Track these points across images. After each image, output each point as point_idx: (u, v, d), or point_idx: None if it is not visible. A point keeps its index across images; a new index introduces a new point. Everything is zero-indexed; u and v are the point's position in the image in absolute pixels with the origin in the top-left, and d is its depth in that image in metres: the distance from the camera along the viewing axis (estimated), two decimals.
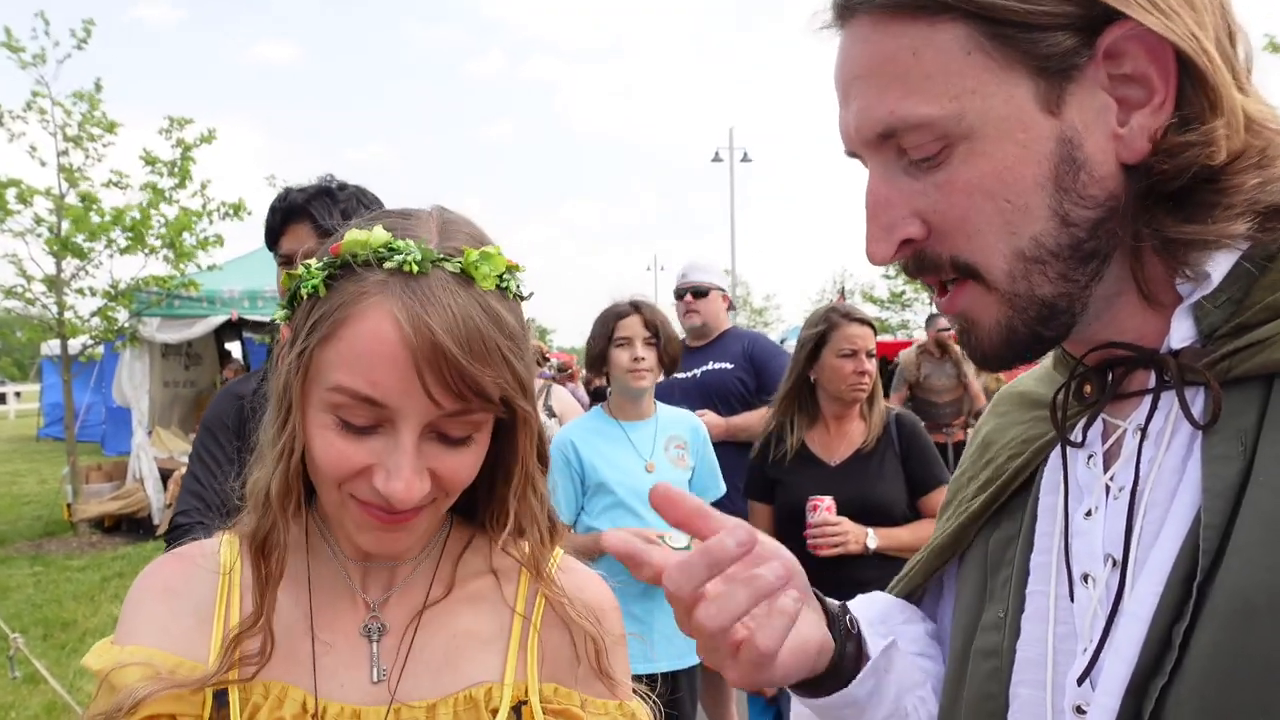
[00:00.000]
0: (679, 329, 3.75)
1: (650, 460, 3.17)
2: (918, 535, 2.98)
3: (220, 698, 0.95)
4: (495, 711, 1.00)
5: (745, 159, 32.27)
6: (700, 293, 4.25)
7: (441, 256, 0.92)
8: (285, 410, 0.95)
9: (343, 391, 0.89)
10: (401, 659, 1.02)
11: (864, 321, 3.15)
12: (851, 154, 0.83)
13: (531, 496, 1.06)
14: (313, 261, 0.95)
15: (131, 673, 0.94)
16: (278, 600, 0.99)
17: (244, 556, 1.04)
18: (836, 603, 0.94)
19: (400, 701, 0.99)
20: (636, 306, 3.21)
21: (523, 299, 1.00)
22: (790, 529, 3.05)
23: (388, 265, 0.90)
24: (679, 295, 4.34)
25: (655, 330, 3.16)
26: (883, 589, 3.31)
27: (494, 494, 1.09)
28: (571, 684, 1.07)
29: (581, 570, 1.15)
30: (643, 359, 3.12)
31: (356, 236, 0.92)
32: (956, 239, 0.76)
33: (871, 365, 3.10)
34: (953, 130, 0.73)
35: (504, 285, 0.96)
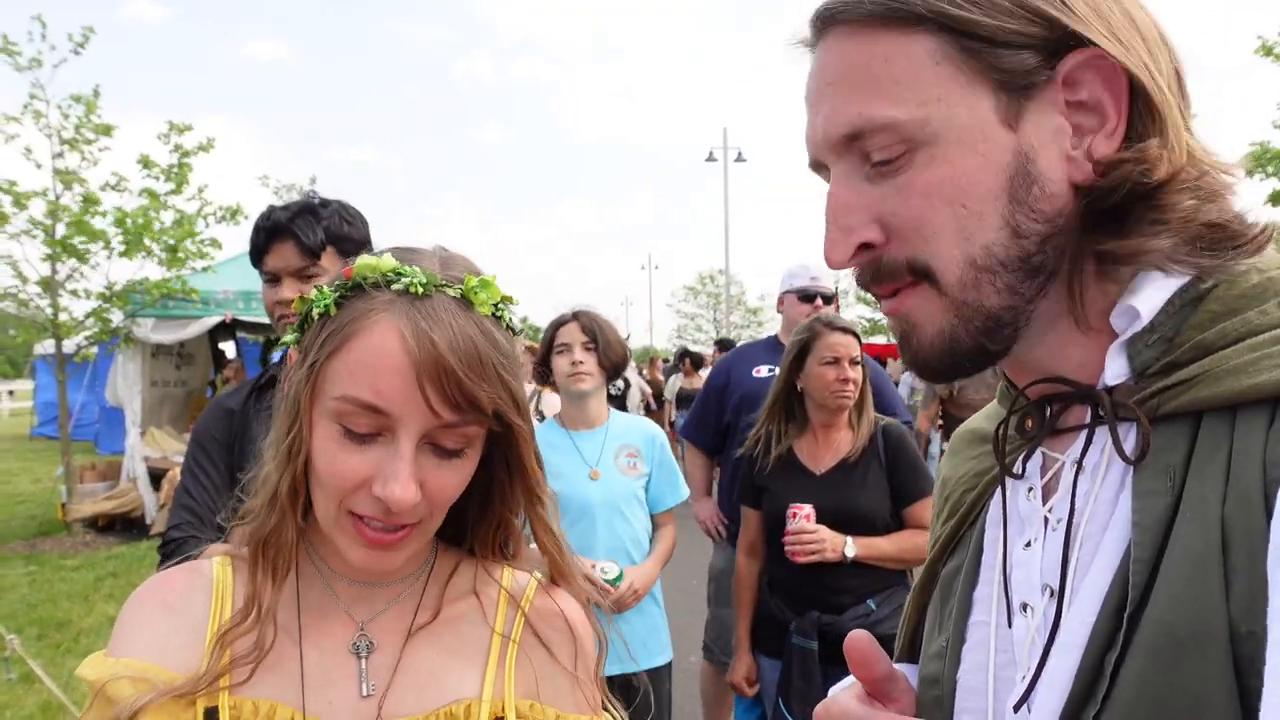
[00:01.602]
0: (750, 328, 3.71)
1: (595, 468, 3.21)
2: (898, 545, 3.00)
3: (210, 715, 0.98)
4: None
5: (739, 159, 32.26)
6: (829, 298, 4.19)
7: (444, 282, 1.00)
8: (293, 418, 1.01)
9: (348, 400, 0.95)
10: (389, 677, 1.06)
11: (847, 330, 3.16)
12: (816, 165, 0.85)
13: (540, 507, 1.12)
14: (325, 286, 1.02)
15: (126, 686, 0.96)
16: (271, 626, 1.03)
17: (237, 569, 1.08)
18: None
19: (389, 717, 1.02)
20: (575, 315, 3.29)
21: (515, 332, 1.07)
22: (775, 535, 3.09)
23: (395, 287, 0.98)
24: (808, 298, 4.18)
25: (593, 335, 3.22)
26: (861, 597, 3.31)
27: (486, 515, 1.15)
28: (548, 701, 1.11)
29: (560, 591, 1.20)
30: (581, 363, 3.19)
31: (367, 261, 1.00)
32: (914, 241, 0.78)
33: (856, 373, 3.10)
34: (917, 135, 0.76)
35: (499, 314, 1.04)
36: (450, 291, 1.00)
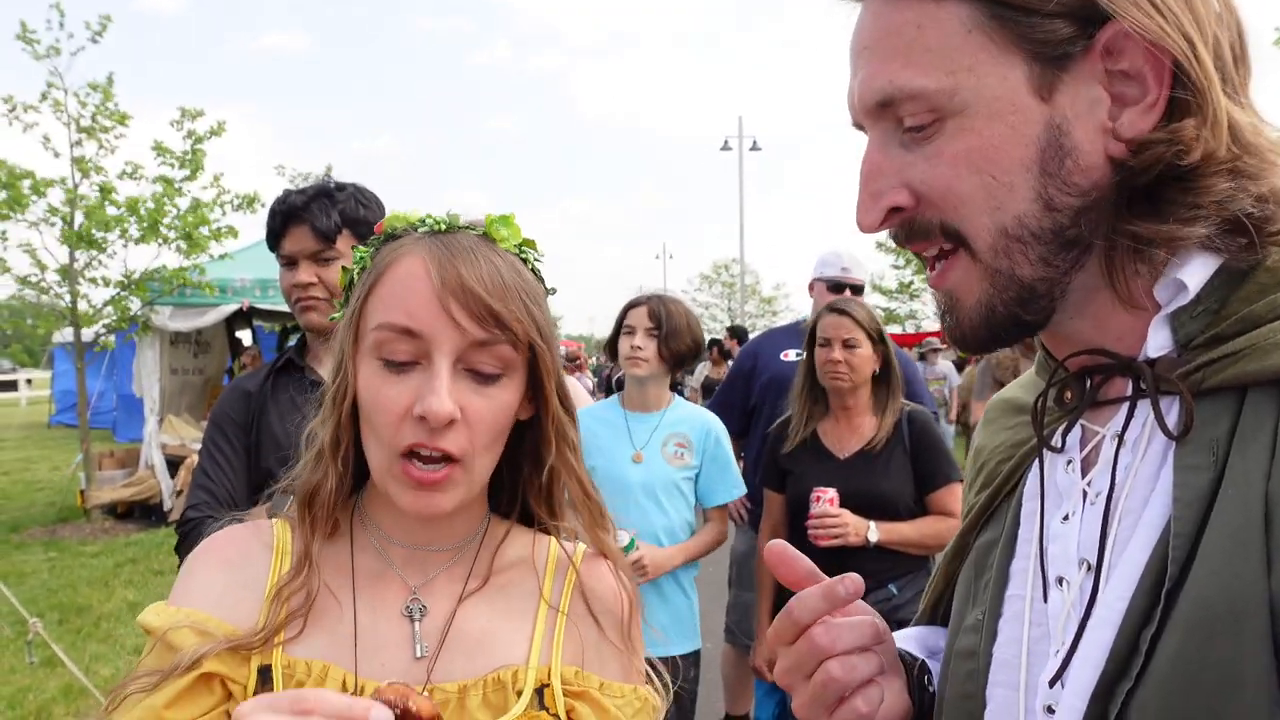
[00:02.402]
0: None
1: (639, 451, 3.20)
2: (921, 531, 3.00)
3: (264, 673, 1.01)
4: (520, 693, 1.05)
5: (754, 147, 32.17)
6: (859, 289, 4.19)
7: (466, 225, 1.09)
8: (338, 368, 1.08)
9: (384, 328, 1.01)
10: (440, 641, 1.08)
11: (842, 311, 3.16)
12: (857, 125, 0.85)
13: (567, 448, 1.15)
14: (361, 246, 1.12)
15: (188, 634, 0.99)
16: (321, 585, 1.06)
17: (294, 531, 1.12)
18: (911, 657, 0.98)
19: (435, 682, 1.05)
20: (648, 299, 3.27)
21: (540, 279, 1.12)
22: (797, 519, 3.10)
23: (421, 230, 1.07)
24: (837, 288, 4.13)
25: (659, 322, 3.20)
26: (883, 581, 3.32)
27: (537, 474, 1.18)
28: (593, 668, 1.12)
29: (604, 560, 1.23)
30: (640, 348, 3.18)
31: (398, 213, 1.10)
32: (944, 208, 0.78)
33: (844, 354, 3.09)
34: (945, 105, 0.75)
35: (523, 256, 1.10)
36: (473, 231, 1.08)
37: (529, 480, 1.20)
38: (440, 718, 0.82)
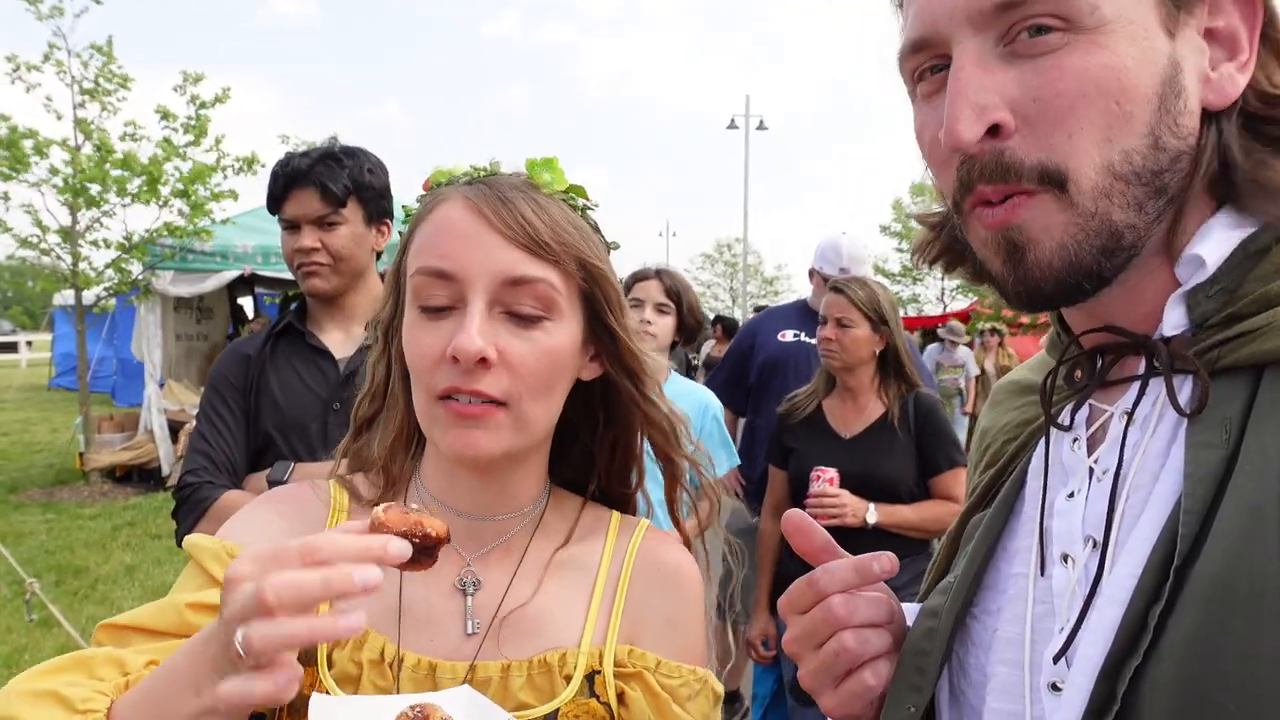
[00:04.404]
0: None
1: None
2: (921, 514, 2.99)
3: None
4: (569, 678, 1.02)
5: (761, 127, 32.00)
6: None
7: (510, 174, 1.07)
8: (390, 319, 1.10)
9: (420, 272, 1.00)
10: (491, 618, 1.05)
11: (837, 289, 3.15)
12: (921, 45, 0.77)
13: (642, 383, 1.15)
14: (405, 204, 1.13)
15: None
16: None
17: (351, 493, 1.12)
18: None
19: (483, 660, 1.01)
20: (658, 272, 3.21)
21: (596, 228, 1.09)
22: (799, 496, 3.10)
23: (463, 181, 1.06)
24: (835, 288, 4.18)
25: (676, 297, 3.15)
26: None
27: (610, 436, 1.18)
28: (650, 646, 1.07)
29: (668, 535, 1.19)
30: (649, 323, 3.13)
31: (441, 168, 1.09)
32: (1053, 136, 0.71)
33: (835, 331, 3.09)
34: (1084, 17, 0.70)
35: (571, 203, 1.06)
36: (515, 178, 1.05)
37: (600, 444, 1.18)
38: (448, 535, 0.83)
